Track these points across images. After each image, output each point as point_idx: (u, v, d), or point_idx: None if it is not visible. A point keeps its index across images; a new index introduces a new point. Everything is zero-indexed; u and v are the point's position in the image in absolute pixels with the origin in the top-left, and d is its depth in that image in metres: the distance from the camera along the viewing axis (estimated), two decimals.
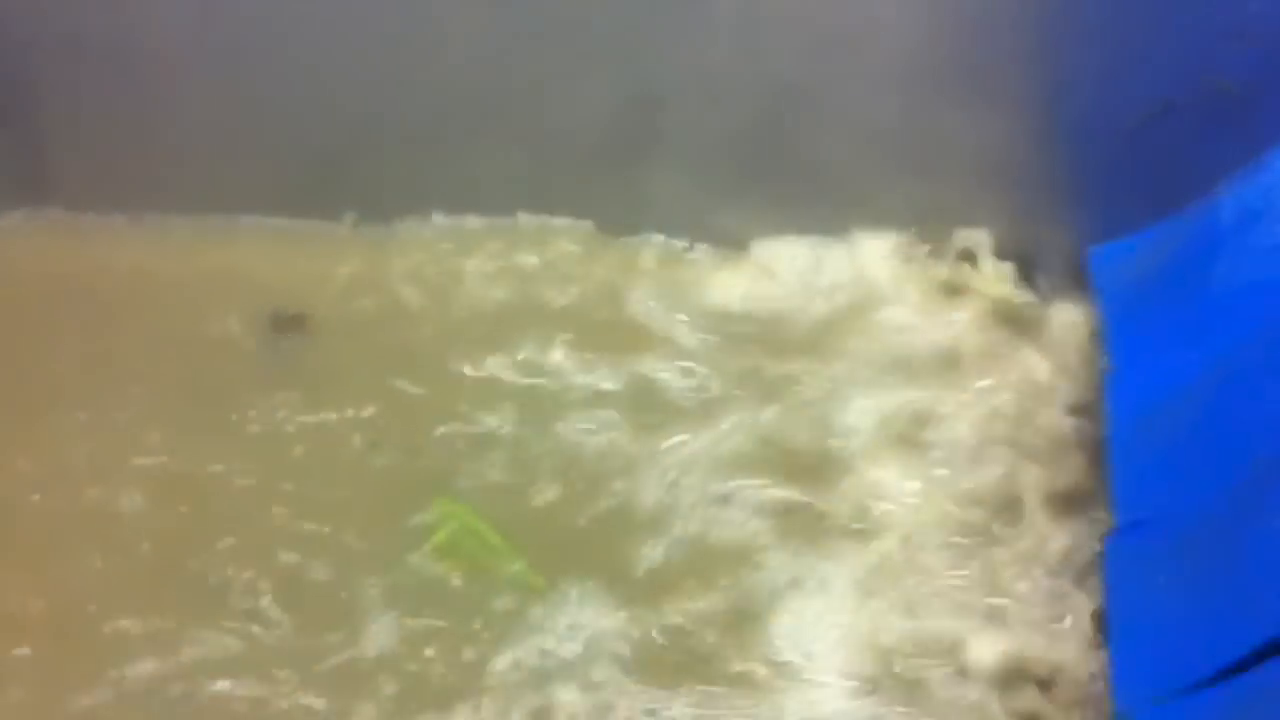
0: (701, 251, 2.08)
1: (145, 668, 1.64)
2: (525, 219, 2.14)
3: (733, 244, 2.07)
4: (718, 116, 1.99)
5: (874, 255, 1.98)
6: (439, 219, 2.15)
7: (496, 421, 1.87)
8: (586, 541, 1.75)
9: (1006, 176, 1.91)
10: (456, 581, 1.70)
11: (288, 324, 2.04)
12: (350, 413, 1.91)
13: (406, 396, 1.93)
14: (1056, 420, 1.75)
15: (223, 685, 1.62)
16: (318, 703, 1.61)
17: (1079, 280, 1.87)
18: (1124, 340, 1.74)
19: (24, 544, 1.80)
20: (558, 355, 1.97)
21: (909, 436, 1.79)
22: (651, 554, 1.73)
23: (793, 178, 2.01)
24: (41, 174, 2.20)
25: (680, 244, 2.09)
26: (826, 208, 2.01)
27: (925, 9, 1.85)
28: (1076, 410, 1.76)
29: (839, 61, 1.89)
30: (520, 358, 1.95)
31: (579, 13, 1.95)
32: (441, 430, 1.88)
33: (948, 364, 1.85)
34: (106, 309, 2.08)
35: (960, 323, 1.86)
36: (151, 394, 1.95)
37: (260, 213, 2.19)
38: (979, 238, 1.93)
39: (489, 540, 1.70)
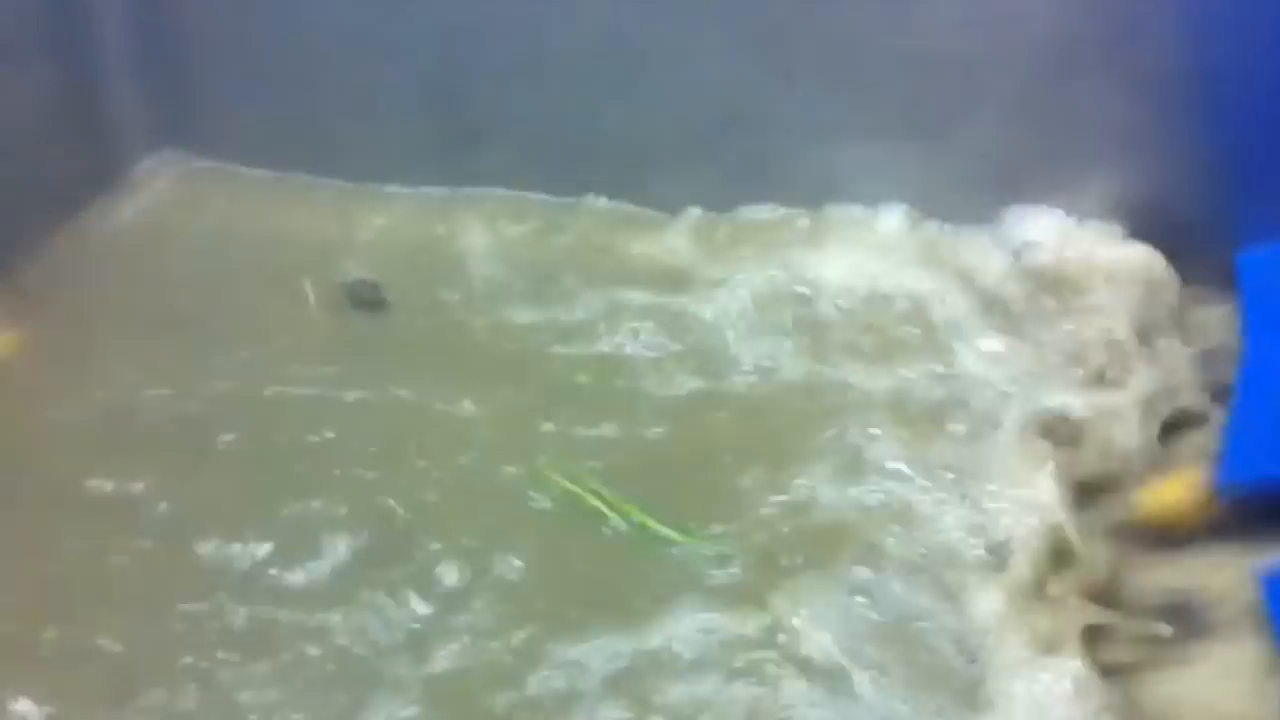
0: (831, 220, 2.05)
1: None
2: (653, 194, 2.12)
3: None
4: (860, 88, 1.98)
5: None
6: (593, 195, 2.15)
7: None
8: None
9: (1147, 164, 1.89)
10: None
11: (364, 291, 1.98)
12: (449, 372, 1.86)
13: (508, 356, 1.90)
14: None
15: None
16: None
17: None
18: (1258, 337, 1.78)
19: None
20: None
21: None
22: None
23: (932, 151, 1.99)
24: (195, 122, 2.25)
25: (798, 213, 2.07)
26: (963, 181, 1.99)
27: None
28: None
29: (987, 38, 1.89)
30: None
31: None
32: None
33: None
34: (230, 256, 2.10)
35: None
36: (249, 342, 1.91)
37: (400, 182, 2.20)
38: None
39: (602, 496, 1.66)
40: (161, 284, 2.06)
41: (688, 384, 1.84)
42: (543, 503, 1.66)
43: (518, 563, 1.58)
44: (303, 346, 1.92)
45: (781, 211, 2.10)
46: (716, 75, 2.04)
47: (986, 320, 1.89)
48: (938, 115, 1.97)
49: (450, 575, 1.56)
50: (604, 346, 1.91)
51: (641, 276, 2.03)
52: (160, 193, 2.25)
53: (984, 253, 1.97)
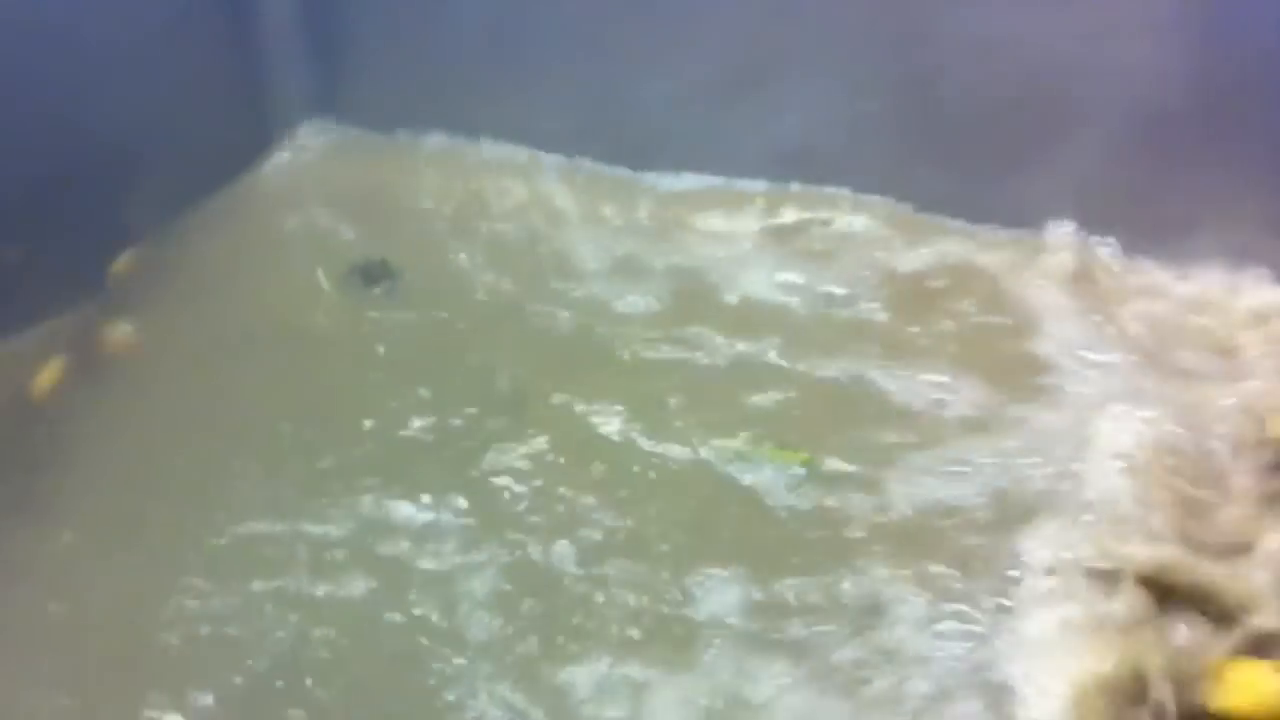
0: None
1: None
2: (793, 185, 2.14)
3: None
4: (987, 94, 1.94)
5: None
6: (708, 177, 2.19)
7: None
8: None
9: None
10: None
11: (374, 270, 2.06)
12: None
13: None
14: None
15: None
16: None
17: None
18: None
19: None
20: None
21: None
22: None
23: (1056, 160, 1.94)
24: (338, 90, 2.30)
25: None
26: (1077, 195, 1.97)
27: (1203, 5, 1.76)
28: None
29: (1115, 48, 1.82)
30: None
31: None
32: None
33: None
34: (377, 216, 2.17)
35: None
36: None
37: (548, 149, 2.23)
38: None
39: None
40: (305, 244, 2.15)
41: None
42: None
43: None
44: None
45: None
46: (845, 87, 2.03)
47: None
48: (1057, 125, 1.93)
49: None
50: None
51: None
52: (312, 157, 2.33)
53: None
